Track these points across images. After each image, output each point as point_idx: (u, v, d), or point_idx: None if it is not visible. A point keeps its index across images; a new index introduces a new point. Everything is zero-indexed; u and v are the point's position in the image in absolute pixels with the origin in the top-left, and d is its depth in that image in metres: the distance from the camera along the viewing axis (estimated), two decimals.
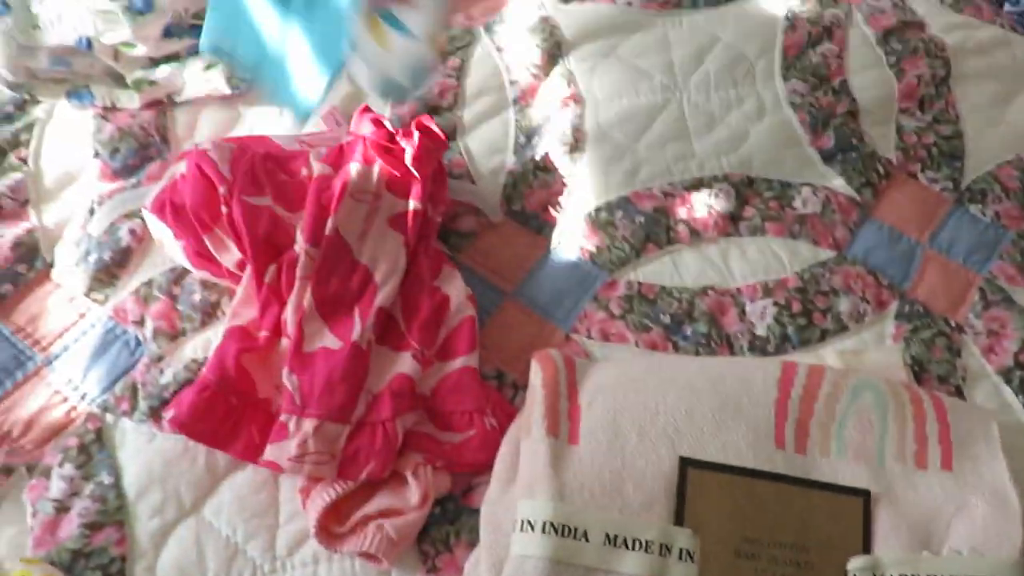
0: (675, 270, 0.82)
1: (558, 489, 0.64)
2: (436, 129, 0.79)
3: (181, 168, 0.76)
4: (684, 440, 0.68)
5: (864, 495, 0.66)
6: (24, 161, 0.88)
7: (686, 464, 0.67)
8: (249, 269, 0.74)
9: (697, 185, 0.87)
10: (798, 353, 0.78)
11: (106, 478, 0.71)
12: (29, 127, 0.90)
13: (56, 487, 0.70)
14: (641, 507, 0.64)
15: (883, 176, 0.87)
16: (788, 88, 0.94)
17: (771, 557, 0.64)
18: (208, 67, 0.88)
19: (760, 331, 0.79)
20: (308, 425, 0.68)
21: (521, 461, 0.68)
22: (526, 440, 0.68)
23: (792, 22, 0.97)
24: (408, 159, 0.76)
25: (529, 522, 0.63)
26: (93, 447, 0.72)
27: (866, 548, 0.65)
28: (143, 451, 0.72)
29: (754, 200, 0.86)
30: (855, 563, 0.63)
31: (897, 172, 0.88)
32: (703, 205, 0.85)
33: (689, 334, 0.79)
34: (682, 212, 0.85)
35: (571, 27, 0.96)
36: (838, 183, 0.87)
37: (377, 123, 0.77)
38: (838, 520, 0.66)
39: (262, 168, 0.75)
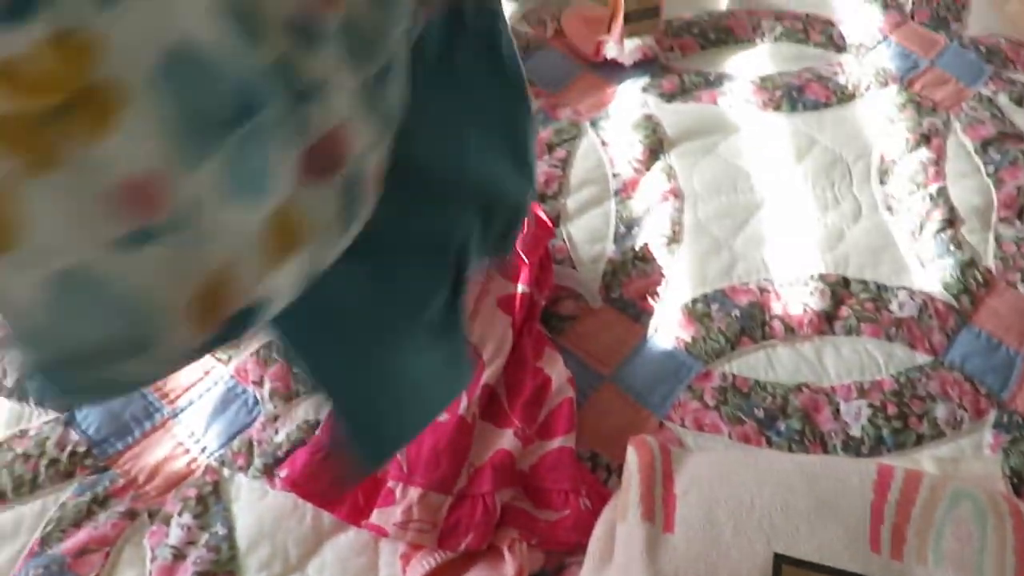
0: (769, 365, 0.84)
1: None
2: (544, 217, 0.83)
3: None
4: (779, 536, 0.69)
5: None
6: None
7: (781, 561, 0.67)
8: None
9: (793, 283, 0.89)
10: (893, 456, 0.78)
11: (220, 529, 0.75)
12: None
13: (175, 534, 0.75)
14: None
15: (981, 284, 0.88)
16: (885, 192, 0.96)
17: None
18: None
19: (855, 431, 0.80)
20: (414, 493, 0.71)
21: (616, 544, 0.70)
22: (621, 523, 0.70)
23: (890, 128, 1.00)
24: (518, 245, 0.81)
25: None
26: (210, 499, 0.77)
27: None
28: (255, 506, 0.77)
29: (849, 300, 0.88)
30: None
31: (996, 281, 0.89)
32: (798, 303, 0.87)
33: (783, 430, 0.80)
34: (777, 308, 0.87)
35: (673, 125, 1.01)
36: (935, 289, 0.88)
37: None
38: None
39: None
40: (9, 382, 0.83)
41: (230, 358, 0.86)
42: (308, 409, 0.82)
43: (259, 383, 0.84)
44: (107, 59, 0.34)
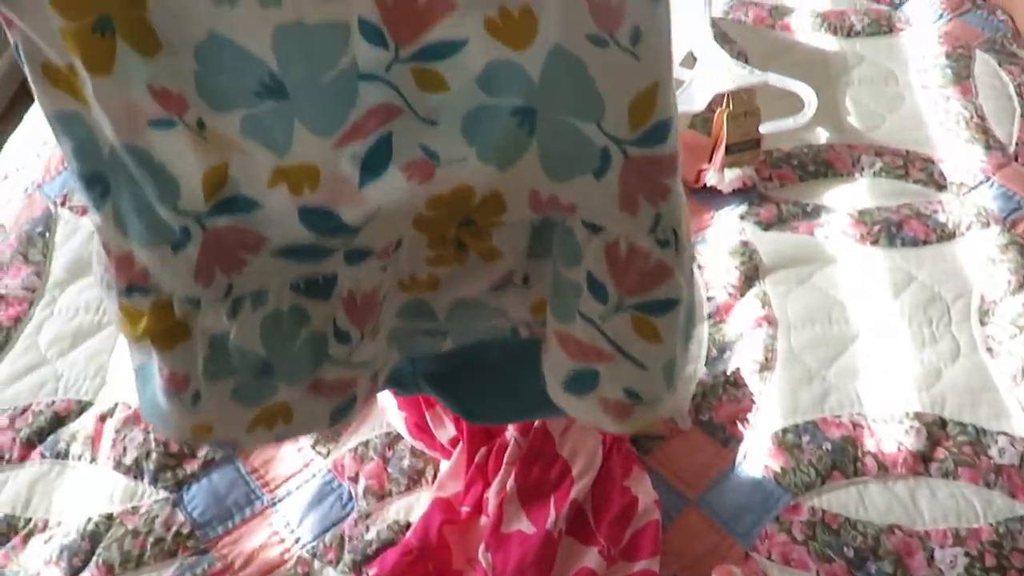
0: (861, 502, 0.83)
1: None
2: None
3: None
4: None
5: None
6: None
7: None
8: (460, 446, 0.82)
9: (887, 419, 0.88)
10: None
11: None
12: None
13: None
14: None
15: None
16: (985, 334, 0.95)
17: None
18: None
19: None
20: None
21: None
22: None
23: (991, 269, 1.00)
24: None
25: None
26: None
27: None
28: None
29: (946, 442, 0.87)
30: None
31: None
32: (892, 440, 0.87)
33: (873, 572, 0.78)
34: (871, 444, 0.87)
35: (769, 253, 1.03)
36: None
37: None
38: None
39: None
40: (128, 459, 0.89)
41: (329, 452, 0.90)
42: (400, 509, 0.85)
43: (355, 479, 0.87)
44: None
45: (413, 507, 0.85)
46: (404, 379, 0.65)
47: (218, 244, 0.46)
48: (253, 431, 0.54)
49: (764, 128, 1.07)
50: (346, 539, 0.83)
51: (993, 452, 0.85)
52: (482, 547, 0.76)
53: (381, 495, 0.86)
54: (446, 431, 0.83)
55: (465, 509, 0.79)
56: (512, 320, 0.57)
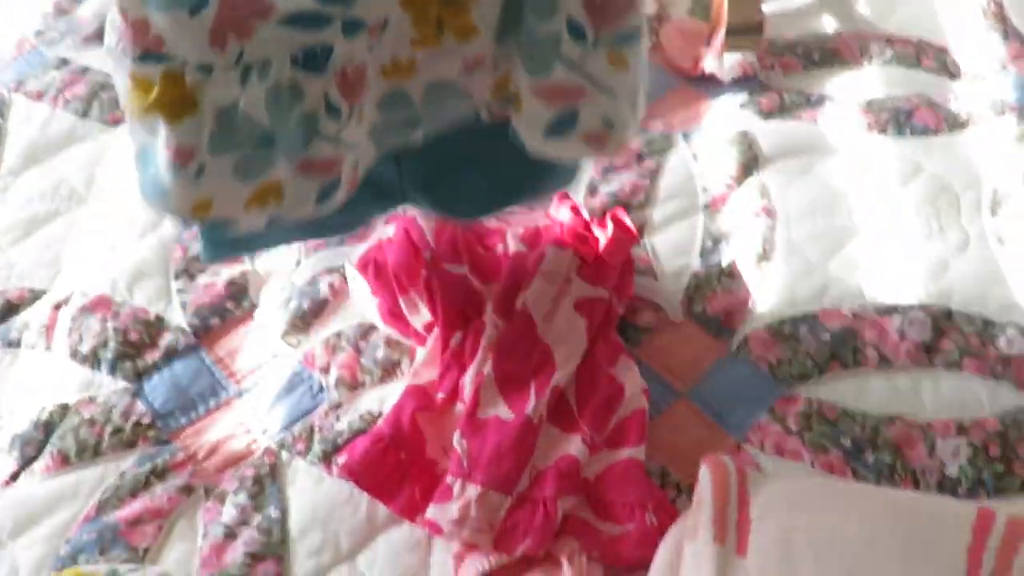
0: (860, 394, 0.79)
1: None
2: (629, 223, 0.81)
3: (389, 231, 0.81)
4: (863, 573, 0.63)
5: None
6: None
7: None
8: (436, 332, 0.77)
9: (890, 311, 0.83)
10: (993, 502, 0.72)
11: (274, 512, 0.74)
12: None
13: (228, 513, 0.74)
14: None
15: None
16: (996, 225, 0.90)
17: None
18: None
19: (951, 471, 0.73)
20: (472, 491, 0.68)
21: (683, 565, 0.65)
22: (690, 543, 0.66)
23: (1005, 161, 0.94)
24: (601, 248, 0.78)
25: None
26: (266, 480, 0.76)
27: None
28: (310, 492, 0.75)
29: (952, 334, 0.82)
30: None
31: None
32: (896, 331, 0.82)
33: (871, 462, 0.74)
34: (872, 335, 0.82)
35: (770, 142, 0.97)
36: None
37: (575, 211, 0.80)
38: None
39: (462, 239, 0.79)
40: (84, 348, 0.84)
41: (299, 343, 0.85)
42: (373, 400, 0.80)
43: (326, 370, 0.82)
44: None
45: (387, 398, 0.80)
46: (390, 187, 0.67)
47: (232, 9, 0.48)
48: (249, 209, 0.57)
49: (767, 7, 0.99)
50: (316, 429, 0.79)
51: (1001, 343, 0.80)
52: (457, 433, 0.72)
53: (353, 386, 0.81)
54: (420, 316, 0.78)
55: (440, 396, 0.75)
56: (476, 104, 0.60)
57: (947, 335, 0.82)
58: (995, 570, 0.63)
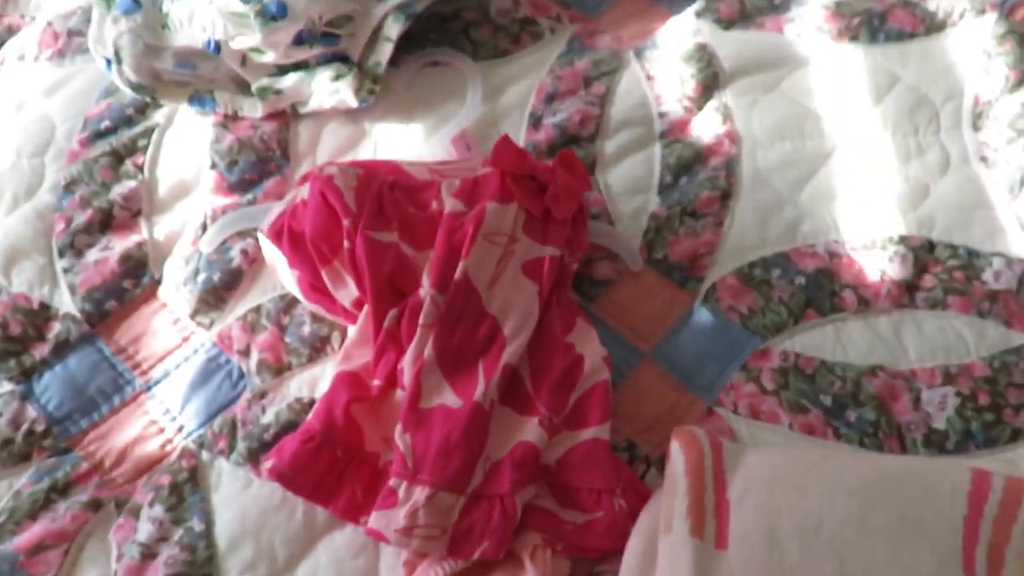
0: (839, 343, 0.72)
1: None
2: (580, 167, 0.70)
3: (303, 193, 0.70)
4: (854, 559, 0.57)
5: None
6: (140, 168, 0.83)
7: None
8: (366, 309, 0.67)
9: (868, 246, 0.76)
10: (983, 454, 0.67)
11: (197, 524, 0.65)
12: (148, 132, 0.85)
13: (144, 529, 0.65)
14: None
15: None
16: (978, 140, 0.82)
17: None
18: (337, 77, 0.82)
19: (938, 424, 0.68)
20: (420, 494, 0.60)
21: (659, 562, 0.59)
22: (665, 537, 0.59)
23: (986, 64, 0.85)
24: (549, 198, 0.68)
25: None
26: (186, 487, 0.67)
27: None
28: (238, 497, 0.66)
29: (935, 268, 0.75)
30: None
31: None
32: (875, 270, 0.74)
33: (853, 420, 0.68)
34: (849, 276, 0.74)
35: (731, 57, 0.87)
36: None
37: (518, 155, 0.70)
38: None
39: (389, 199, 0.68)
40: None
41: (212, 322, 0.75)
42: (301, 384, 0.71)
43: (245, 353, 0.72)
44: None
45: (318, 380, 0.71)
46: None
47: None
48: None
49: None
50: (239, 424, 0.69)
51: (987, 276, 0.74)
52: (399, 428, 0.63)
53: (278, 369, 0.72)
54: (347, 291, 0.68)
55: (376, 383, 0.65)
56: None
57: (929, 270, 0.75)
58: (992, 542, 0.58)
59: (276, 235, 0.70)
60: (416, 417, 0.63)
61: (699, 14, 0.89)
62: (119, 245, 0.78)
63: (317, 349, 0.72)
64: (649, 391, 0.71)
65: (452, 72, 0.88)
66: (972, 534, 0.59)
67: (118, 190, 0.81)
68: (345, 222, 0.66)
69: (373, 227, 0.67)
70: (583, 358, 0.67)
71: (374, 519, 0.61)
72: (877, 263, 0.75)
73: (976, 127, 0.83)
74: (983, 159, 0.81)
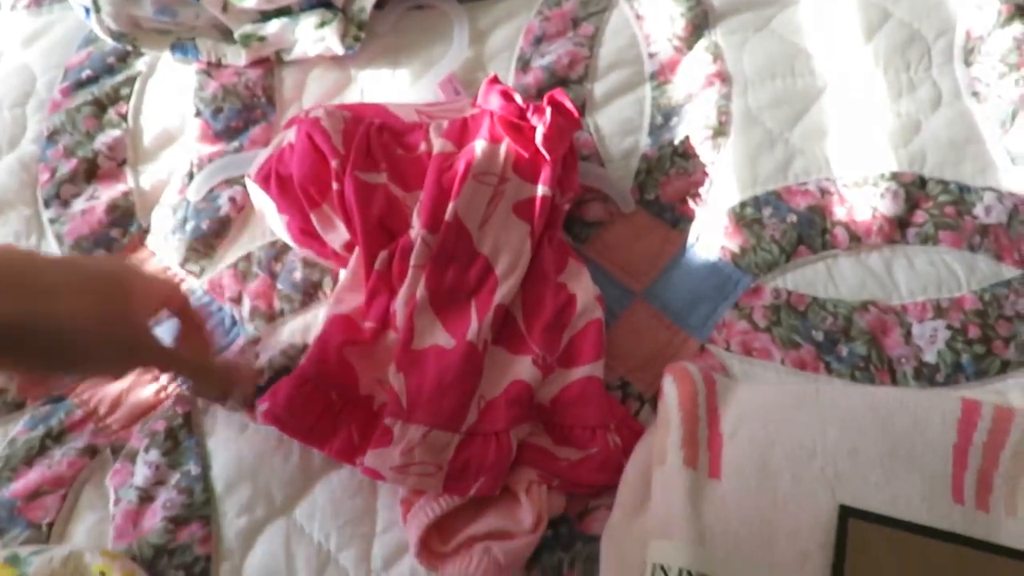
0: (830, 279, 0.72)
1: (698, 532, 0.56)
2: (570, 106, 0.70)
3: (290, 136, 0.69)
4: (846, 486, 0.58)
5: None
6: (124, 117, 0.82)
7: (847, 514, 0.57)
8: (357, 251, 0.67)
9: (860, 183, 0.76)
10: (973, 386, 0.67)
11: (193, 468, 0.65)
12: (130, 81, 0.84)
13: (140, 473, 0.65)
14: (794, 562, 0.56)
15: None
16: (970, 76, 0.81)
17: None
18: (322, 24, 0.80)
19: (929, 357, 0.68)
20: (415, 432, 0.61)
21: (653, 491, 0.60)
22: (659, 469, 0.60)
23: (979, 8, 0.84)
24: (539, 138, 0.68)
25: (663, 568, 0.55)
26: (181, 433, 0.67)
27: None
28: (233, 442, 0.67)
29: (926, 204, 0.75)
30: None
31: None
32: (866, 206, 0.74)
33: (845, 355, 0.68)
34: (841, 213, 0.74)
35: None
36: None
37: (506, 96, 0.69)
38: None
39: (377, 141, 0.68)
40: None
41: (203, 270, 0.74)
42: (294, 330, 0.71)
43: (237, 300, 0.72)
44: None
45: (310, 326, 0.71)
46: None
47: None
48: None
49: None
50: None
51: (978, 211, 0.74)
52: (392, 368, 0.63)
53: (270, 316, 0.71)
54: (338, 234, 0.68)
55: (369, 325, 0.65)
56: None
57: (921, 206, 0.75)
58: (981, 468, 0.59)
59: (264, 180, 0.69)
60: (409, 358, 0.63)
61: None
62: (105, 194, 0.77)
63: (309, 295, 0.72)
64: (642, 330, 0.71)
65: (437, 15, 0.87)
66: (961, 461, 0.59)
67: (102, 139, 0.80)
68: (333, 163, 0.65)
69: (361, 168, 0.66)
70: (575, 297, 0.67)
71: (370, 458, 0.61)
72: (868, 200, 0.75)
73: (968, 62, 0.82)
74: (975, 94, 0.80)
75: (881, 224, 0.73)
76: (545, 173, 0.68)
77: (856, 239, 0.73)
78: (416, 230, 0.65)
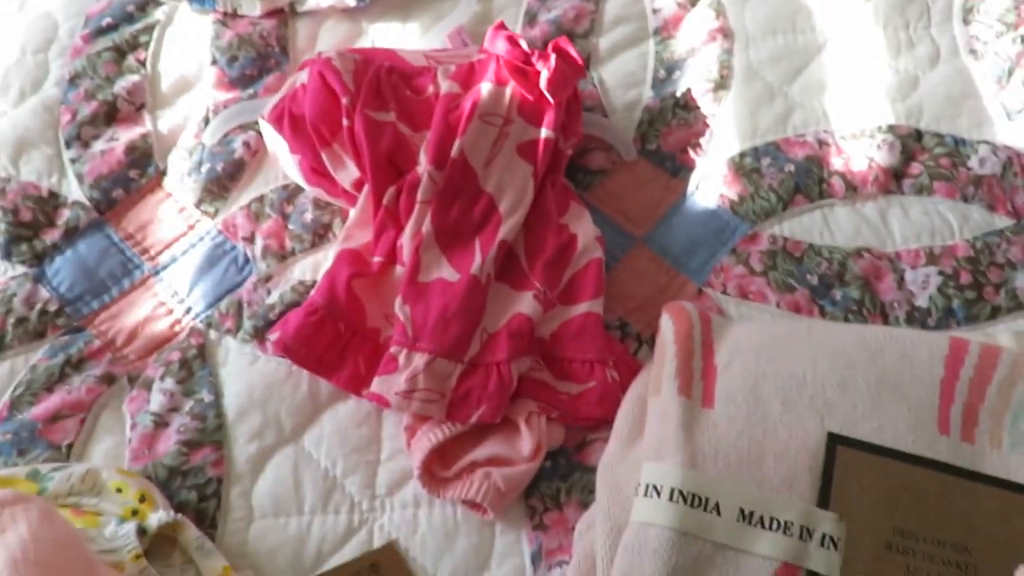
0: (826, 227, 0.74)
1: (690, 455, 0.58)
2: (574, 53, 0.72)
3: (302, 77, 0.71)
4: (834, 415, 0.60)
5: None
6: (142, 64, 0.85)
7: (835, 441, 0.59)
8: (366, 189, 0.69)
9: (857, 135, 0.77)
10: (964, 330, 0.69)
11: (206, 396, 0.68)
12: (149, 29, 0.87)
13: (156, 400, 0.68)
14: (782, 483, 0.58)
15: None
16: (968, 34, 0.83)
17: (926, 554, 0.56)
18: None
19: (921, 302, 0.70)
20: (419, 360, 0.63)
21: (648, 421, 0.62)
22: (654, 398, 0.62)
23: None
24: (543, 83, 0.70)
25: (655, 487, 0.57)
26: (195, 363, 0.70)
27: None
28: (245, 372, 0.69)
29: (922, 156, 0.77)
30: None
31: None
32: (862, 157, 0.76)
33: (839, 299, 0.70)
34: (838, 163, 0.76)
35: None
36: (1023, 143, 0.76)
37: (512, 42, 0.71)
38: (1009, 521, 0.57)
39: (387, 82, 0.70)
40: None
41: (217, 211, 0.77)
42: (304, 269, 0.74)
43: (250, 239, 0.75)
44: None
45: (320, 265, 0.73)
46: None
47: None
48: None
49: None
50: (244, 305, 0.72)
51: (973, 163, 0.76)
52: (398, 299, 0.65)
53: (282, 255, 0.74)
54: (347, 172, 0.70)
55: (376, 259, 0.68)
56: None
57: (916, 158, 0.76)
58: (967, 402, 0.61)
59: (277, 120, 0.71)
60: (415, 290, 0.66)
61: None
62: (124, 136, 0.79)
63: (319, 235, 0.75)
64: (641, 273, 0.73)
65: None
66: (948, 394, 0.61)
67: (122, 84, 0.83)
68: (344, 100, 0.68)
69: (371, 107, 0.68)
70: (577, 237, 0.70)
71: (376, 384, 0.63)
72: (865, 151, 0.76)
73: (966, 21, 0.84)
74: (972, 52, 0.82)
75: (877, 174, 0.75)
76: (549, 116, 0.70)
77: (852, 188, 0.75)
78: (423, 166, 0.68)
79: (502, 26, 0.73)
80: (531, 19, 0.85)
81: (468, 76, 0.71)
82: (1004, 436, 0.61)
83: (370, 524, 0.64)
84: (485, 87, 0.69)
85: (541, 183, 0.71)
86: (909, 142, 0.77)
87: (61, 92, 0.82)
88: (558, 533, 0.62)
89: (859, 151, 0.76)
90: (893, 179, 0.75)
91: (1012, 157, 0.75)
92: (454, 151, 0.67)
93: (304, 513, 0.64)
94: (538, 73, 0.71)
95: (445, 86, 0.70)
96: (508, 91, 0.70)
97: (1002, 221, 0.73)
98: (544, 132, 0.70)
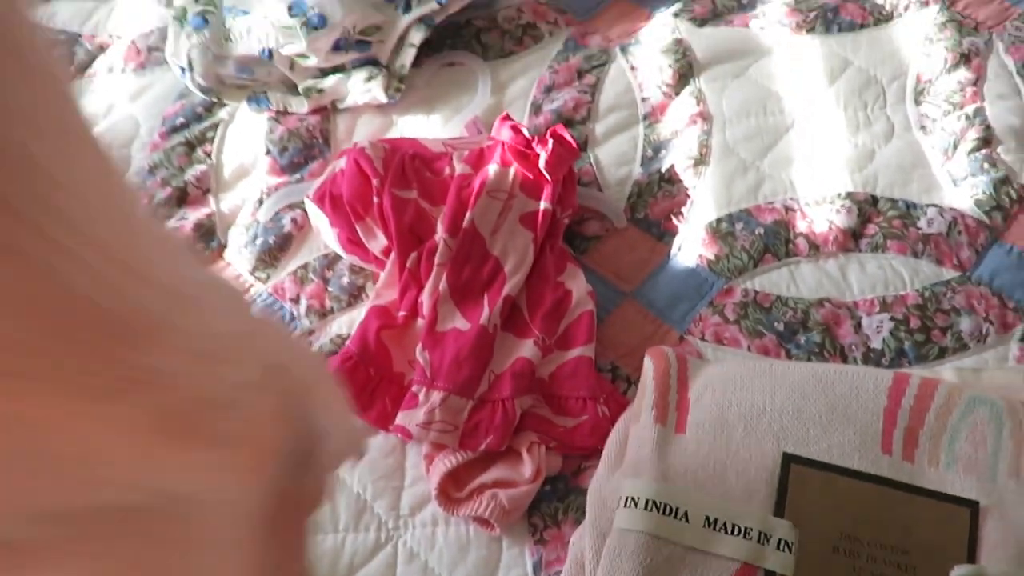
0: (792, 281, 0.85)
1: (663, 471, 0.68)
2: (569, 138, 0.85)
3: (341, 164, 0.86)
4: (789, 438, 0.70)
5: (972, 505, 0.67)
6: (208, 155, 1.00)
7: (789, 460, 0.69)
8: (393, 255, 0.82)
9: (820, 201, 0.89)
10: (915, 368, 0.78)
11: None
12: (215, 126, 1.03)
13: None
14: (742, 496, 0.67)
15: (1015, 200, 0.87)
16: (919, 112, 0.94)
17: (870, 556, 0.65)
18: (369, 78, 0.98)
19: (875, 344, 0.80)
20: (436, 396, 0.75)
21: (629, 446, 0.72)
22: (634, 426, 0.73)
23: (928, 48, 0.98)
24: (542, 163, 0.83)
25: (633, 499, 0.67)
26: None
27: (971, 558, 0.65)
28: None
29: (877, 218, 0.87)
30: (959, 571, 0.64)
31: None
32: (824, 220, 0.87)
33: (802, 342, 0.81)
34: (802, 226, 0.87)
35: (704, 49, 1.01)
36: (966, 206, 0.87)
37: (516, 130, 0.85)
38: (943, 527, 0.66)
39: (411, 166, 0.84)
40: None
41: (268, 277, 0.90)
42: (341, 324, 0.86)
43: (296, 300, 0.88)
44: None
45: (355, 321, 0.85)
46: None
47: None
48: None
49: None
50: None
51: (922, 223, 0.86)
52: (419, 346, 0.77)
53: (323, 313, 0.87)
54: (377, 241, 0.83)
55: (401, 314, 0.80)
56: None
57: (872, 220, 0.87)
58: (908, 427, 0.71)
59: (320, 199, 0.85)
60: (433, 338, 0.78)
61: (676, 14, 1.04)
62: (192, 216, 0.94)
63: (354, 296, 0.87)
64: (631, 324, 0.84)
65: (465, 71, 1.04)
66: (891, 420, 0.71)
67: (191, 173, 0.98)
68: (374, 182, 0.81)
69: (397, 186, 0.82)
70: (571, 292, 0.81)
71: (400, 417, 0.75)
72: (827, 215, 0.88)
73: (918, 102, 0.95)
74: (922, 128, 0.93)
75: (837, 235, 0.86)
76: (547, 191, 0.83)
77: (815, 248, 0.86)
78: (440, 235, 0.81)
79: (508, 117, 0.87)
80: (536, 109, 0.99)
81: (478, 159, 0.85)
82: (941, 456, 0.70)
83: (395, 540, 0.74)
84: (492, 168, 0.83)
85: (540, 247, 0.83)
86: (865, 207, 0.88)
87: (141, 180, 0.98)
88: (556, 547, 0.72)
89: (821, 215, 0.88)
90: (851, 239, 0.86)
91: (956, 218, 0.86)
92: (465, 222, 0.80)
93: (339, 531, 0.75)
94: (537, 155, 0.84)
95: (459, 168, 0.83)
96: (511, 171, 0.83)
97: (948, 273, 0.83)
98: (543, 204, 0.83)
